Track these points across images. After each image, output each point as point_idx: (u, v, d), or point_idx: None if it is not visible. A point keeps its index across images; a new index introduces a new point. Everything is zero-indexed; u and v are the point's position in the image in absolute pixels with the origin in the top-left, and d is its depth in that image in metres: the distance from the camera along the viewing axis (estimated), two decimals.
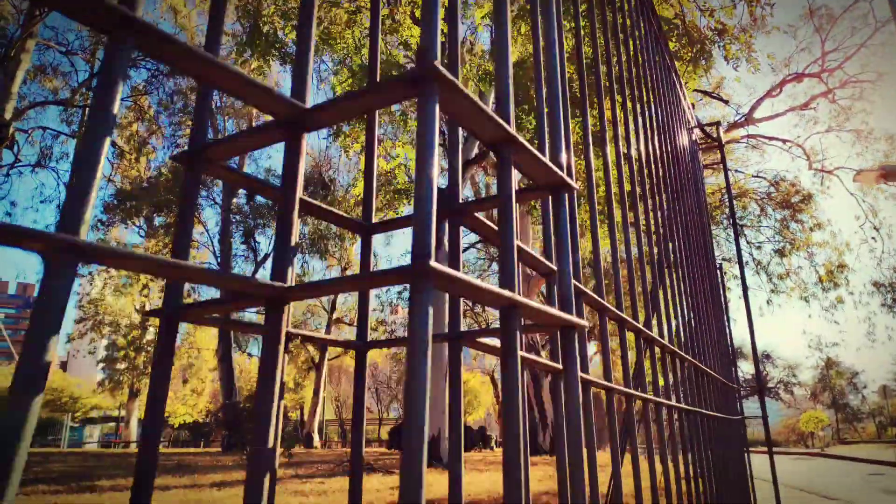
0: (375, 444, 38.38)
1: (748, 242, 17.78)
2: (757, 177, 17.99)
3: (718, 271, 7.97)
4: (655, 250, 1.74)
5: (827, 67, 19.16)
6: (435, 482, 8.48)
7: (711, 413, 2.39)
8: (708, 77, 12.75)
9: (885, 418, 39.54)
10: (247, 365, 40.96)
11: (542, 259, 0.85)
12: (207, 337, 36.56)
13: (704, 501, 1.82)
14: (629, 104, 1.60)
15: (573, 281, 0.71)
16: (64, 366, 71.93)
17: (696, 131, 3.95)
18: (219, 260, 20.67)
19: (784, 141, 18.94)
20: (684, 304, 2.09)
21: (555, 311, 0.61)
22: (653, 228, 1.66)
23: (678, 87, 2.99)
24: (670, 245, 2.03)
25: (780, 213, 17.27)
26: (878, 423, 40.52)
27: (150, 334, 33.05)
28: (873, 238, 18.78)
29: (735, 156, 19.83)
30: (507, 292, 0.51)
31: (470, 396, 45.95)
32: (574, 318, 0.64)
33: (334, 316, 30.68)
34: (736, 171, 18.00)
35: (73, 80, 17.61)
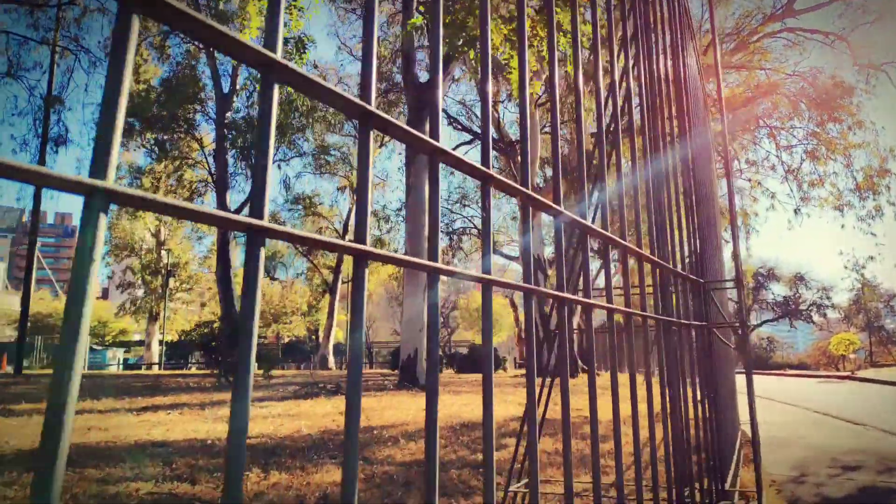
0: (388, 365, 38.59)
1: (778, 146, 15.95)
2: (794, 74, 15.97)
3: (723, 168, 6.71)
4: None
5: None
6: (397, 405, 7.69)
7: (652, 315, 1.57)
8: None
9: None
10: (269, 288, 40.97)
11: None
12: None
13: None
14: None
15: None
16: (105, 293, 73.82)
17: None
18: (214, 178, 19.75)
19: (826, 34, 16.75)
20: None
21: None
22: None
23: None
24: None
25: (815, 114, 15.26)
26: None
27: (165, 258, 32.87)
28: None
29: (773, 55, 17.76)
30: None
31: None
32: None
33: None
34: (769, 69, 16.03)
35: None
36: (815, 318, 45.98)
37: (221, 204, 19.43)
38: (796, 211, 16.80)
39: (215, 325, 11.77)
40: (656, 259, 1.66)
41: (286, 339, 39.55)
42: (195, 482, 3.41)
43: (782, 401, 11.43)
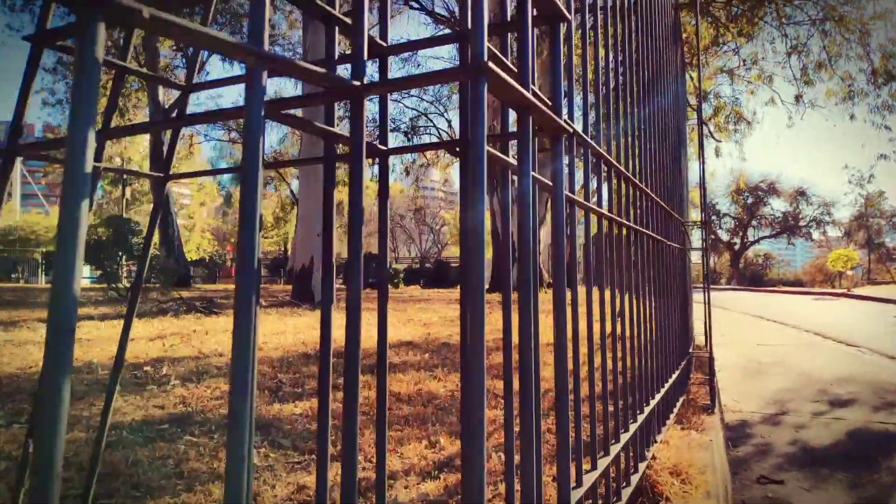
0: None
1: (781, 23, 13.44)
2: None
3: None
4: None
5: None
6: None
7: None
8: None
9: None
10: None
11: None
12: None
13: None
14: None
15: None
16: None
17: None
18: None
19: None
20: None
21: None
22: None
23: None
24: None
25: None
26: None
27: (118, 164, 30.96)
28: None
29: None
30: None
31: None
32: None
33: None
34: None
35: None
36: (815, 234, 44.43)
37: (154, 103, 17.34)
38: (797, 98, 14.50)
39: (100, 230, 10.06)
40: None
41: (273, 256, 37.87)
42: None
43: (772, 318, 10.08)
